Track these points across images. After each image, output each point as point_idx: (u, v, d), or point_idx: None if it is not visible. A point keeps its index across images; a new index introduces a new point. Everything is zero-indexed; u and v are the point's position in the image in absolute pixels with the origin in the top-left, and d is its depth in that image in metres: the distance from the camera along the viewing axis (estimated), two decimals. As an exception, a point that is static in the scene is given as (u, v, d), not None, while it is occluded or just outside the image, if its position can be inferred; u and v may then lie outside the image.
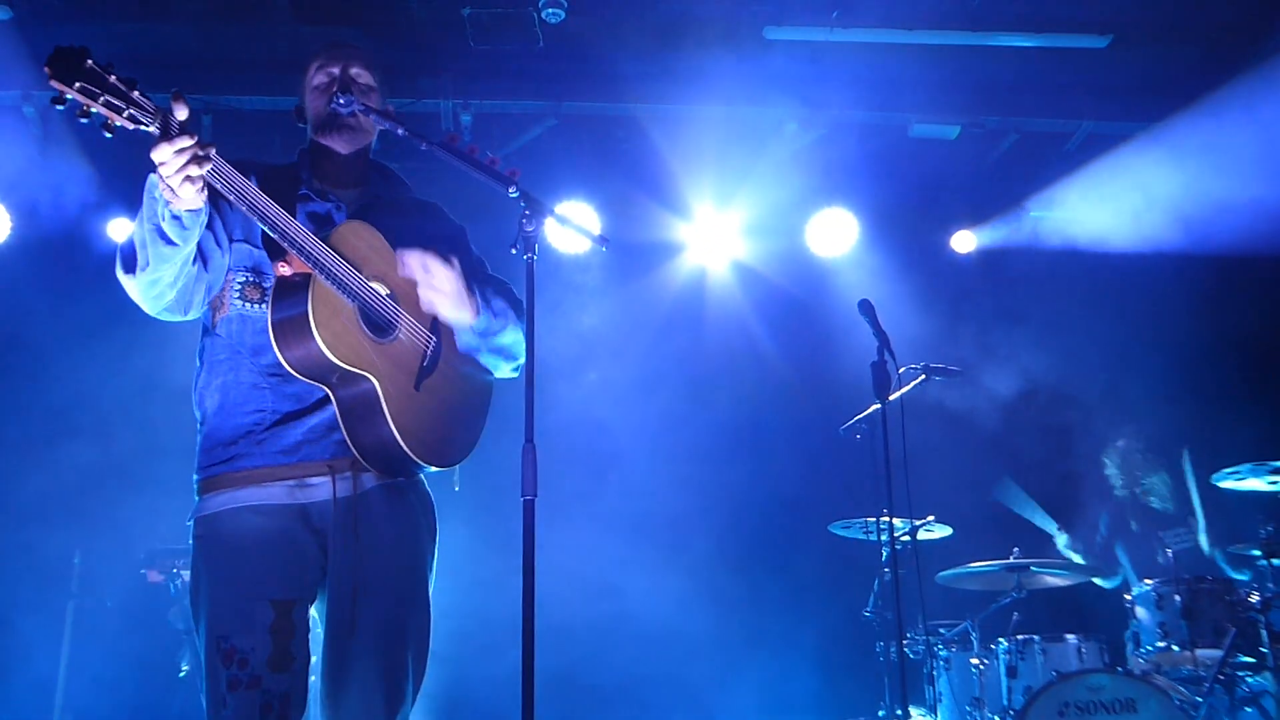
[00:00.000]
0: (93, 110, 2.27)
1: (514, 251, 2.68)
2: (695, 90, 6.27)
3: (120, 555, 6.11)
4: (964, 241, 7.46)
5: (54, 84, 2.22)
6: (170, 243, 2.54)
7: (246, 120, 6.50)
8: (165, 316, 2.76)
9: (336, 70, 2.98)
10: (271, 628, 2.60)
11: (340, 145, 2.98)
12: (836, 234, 7.18)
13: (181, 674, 5.68)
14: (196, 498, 2.80)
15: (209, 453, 2.79)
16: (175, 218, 2.51)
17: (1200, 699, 4.91)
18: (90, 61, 2.25)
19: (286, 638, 2.62)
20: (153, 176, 2.47)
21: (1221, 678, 4.93)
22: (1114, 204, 7.10)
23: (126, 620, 6.19)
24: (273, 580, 2.66)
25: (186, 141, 2.38)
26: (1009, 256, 7.44)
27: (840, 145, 6.69)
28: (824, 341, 6.87)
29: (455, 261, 2.86)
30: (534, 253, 2.67)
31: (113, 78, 2.29)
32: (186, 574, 5.53)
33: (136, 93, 2.33)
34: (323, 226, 2.80)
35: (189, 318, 2.80)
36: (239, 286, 2.75)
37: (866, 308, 4.74)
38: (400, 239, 2.91)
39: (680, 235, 7.17)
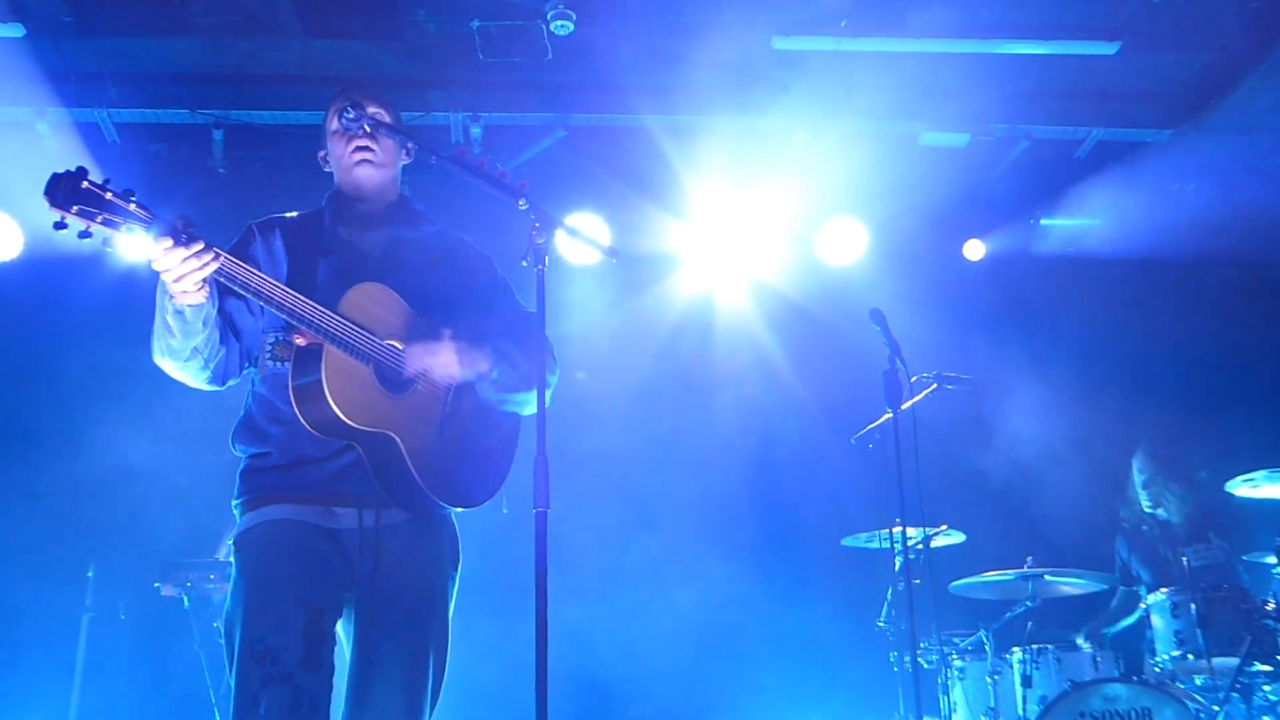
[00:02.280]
0: (92, 229, 2.37)
1: (525, 263, 2.72)
2: (704, 101, 6.27)
3: (134, 569, 6.13)
4: (974, 249, 7.45)
5: (52, 210, 2.33)
6: (173, 335, 2.70)
7: (257, 134, 6.54)
8: (206, 388, 2.93)
9: (349, 104, 3.03)
10: (305, 631, 2.67)
11: (364, 182, 3.05)
12: (846, 243, 7.18)
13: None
14: (239, 519, 2.91)
15: (247, 481, 2.91)
16: (178, 313, 2.65)
17: (1217, 707, 4.89)
18: (86, 182, 2.36)
19: (318, 643, 2.69)
20: None
21: (1238, 686, 4.90)
22: (1124, 211, 7.08)
23: (140, 633, 6.21)
24: (307, 587, 2.74)
25: (175, 250, 2.48)
26: (1019, 264, 7.43)
27: (849, 155, 6.67)
28: (834, 351, 6.85)
29: (449, 340, 2.91)
30: (544, 264, 2.70)
31: (109, 194, 2.39)
32: (206, 586, 5.58)
33: (134, 205, 2.42)
34: (345, 280, 2.88)
35: (229, 385, 2.96)
36: (270, 347, 2.84)
37: (878, 316, 4.75)
38: (424, 279, 3.02)
39: (689, 246, 7.16)
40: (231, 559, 2.88)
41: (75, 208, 2.34)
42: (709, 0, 5.74)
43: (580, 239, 2.94)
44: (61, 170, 2.36)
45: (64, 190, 2.34)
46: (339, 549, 2.82)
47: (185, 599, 5.59)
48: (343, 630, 2.89)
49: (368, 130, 3.00)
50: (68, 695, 6.09)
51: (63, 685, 6.11)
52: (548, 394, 3.09)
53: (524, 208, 2.72)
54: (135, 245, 2.46)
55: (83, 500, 6.36)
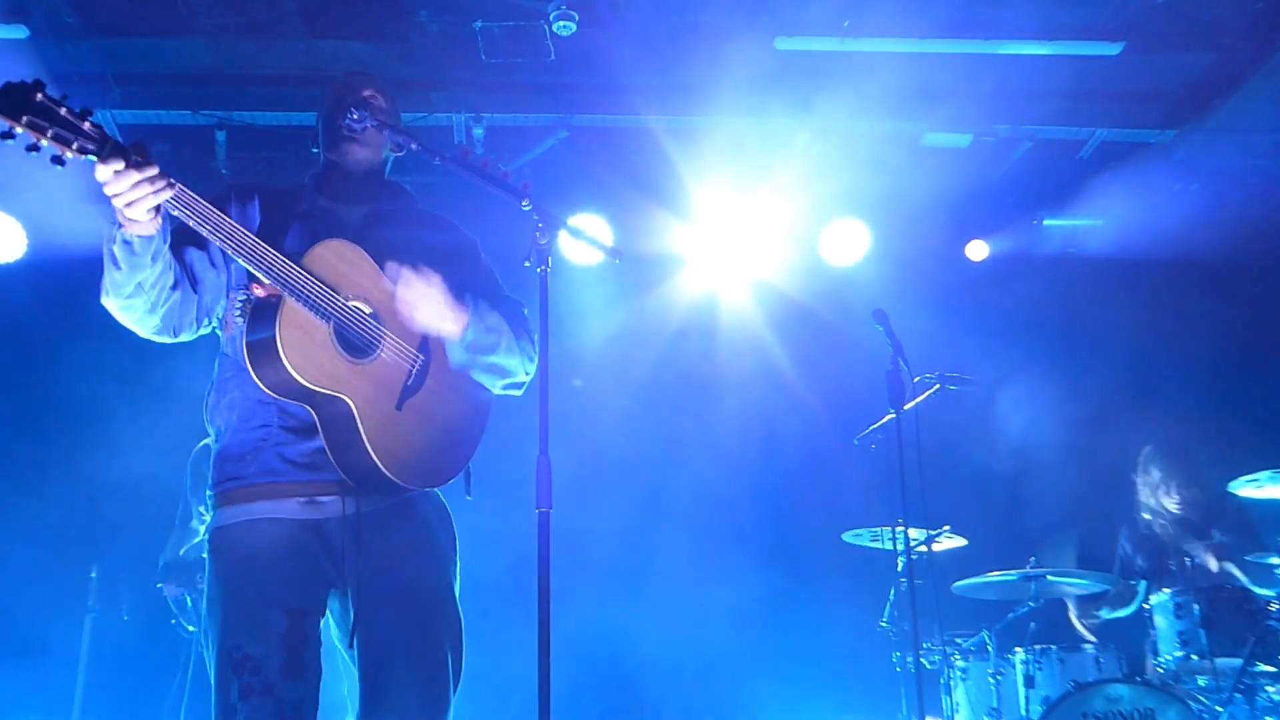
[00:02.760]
0: (42, 143, 2.27)
1: (527, 264, 2.69)
2: (706, 101, 6.27)
3: (137, 569, 6.13)
4: (977, 250, 7.44)
5: (1, 119, 2.21)
6: (118, 267, 2.56)
7: (260, 135, 6.54)
8: (156, 339, 2.79)
9: (347, 92, 3.02)
10: (285, 636, 2.60)
11: (349, 159, 3.01)
12: (849, 244, 7.18)
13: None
14: (212, 512, 2.82)
15: (222, 468, 2.81)
16: (126, 243, 2.52)
17: (1220, 708, 4.88)
18: (41, 95, 2.25)
19: (300, 647, 2.62)
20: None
21: (1241, 687, 4.89)
22: (1127, 212, 7.08)
23: (143, 634, 6.20)
24: (286, 589, 2.66)
25: (128, 172, 2.36)
26: (1022, 265, 7.43)
27: (852, 155, 6.68)
28: (838, 351, 6.86)
29: (438, 276, 2.82)
30: (547, 265, 2.68)
31: (63, 110, 2.28)
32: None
33: (88, 124, 2.32)
34: (315, 243, 2.77)
35: (181, 339, 2.83)
36: (240, 304, 2.72)
37: (881, 317, 4.75)
38: (403, 250, 2.90)
39: (692, 246, 7.16)
40: (205, 555, 2.78)
41: (26, 118, 2.22)
42: (711, 1, 5.75)
43: (583, 240, 2.93)
44: (17, 80, 2.25)
45: (16, 99, 2.22)
46: (324, 542, 2.73)
47: (188, 599, 5.59)
48: (337, 627, 2.81)
49: (372, 129, 2.96)
50: (71, 696, 6.09)
51: (66, 686, 6.11)
52: (524, 386, 3.02)
53: (527, 208, 2.70)
54: (85, 165, 2.33)
55: (86, 501, 6.36)
